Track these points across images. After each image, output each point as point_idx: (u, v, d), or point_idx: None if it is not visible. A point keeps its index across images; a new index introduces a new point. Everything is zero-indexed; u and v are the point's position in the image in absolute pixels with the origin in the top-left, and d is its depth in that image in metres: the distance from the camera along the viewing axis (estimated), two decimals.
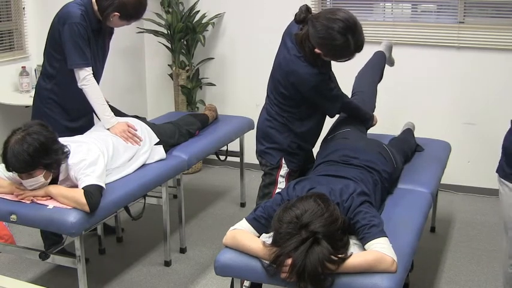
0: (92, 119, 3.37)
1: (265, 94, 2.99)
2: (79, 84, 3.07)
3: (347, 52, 2.60)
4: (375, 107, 3.30)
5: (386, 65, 3.52)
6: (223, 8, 4.82)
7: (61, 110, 3.18)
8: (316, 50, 2.62)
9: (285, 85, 2.79)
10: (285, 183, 2.89)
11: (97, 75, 3.22)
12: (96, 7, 3.07)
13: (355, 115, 3.11)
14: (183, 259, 3.51)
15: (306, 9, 2.68)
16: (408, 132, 3.56)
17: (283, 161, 2.91)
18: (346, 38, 2.54)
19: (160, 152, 3.26)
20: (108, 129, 3.12)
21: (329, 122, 3.10)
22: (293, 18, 2.76)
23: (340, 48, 2.58)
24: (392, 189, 2.87)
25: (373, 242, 2.09)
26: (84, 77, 3.05)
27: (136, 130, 3.18)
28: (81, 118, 3.27)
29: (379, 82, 3.41)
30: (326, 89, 2.78)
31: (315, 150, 3.10)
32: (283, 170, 2.91)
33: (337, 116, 3.12)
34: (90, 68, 3.08)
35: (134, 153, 3.09)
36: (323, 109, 2.90)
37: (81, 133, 3.15)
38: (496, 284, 3.20)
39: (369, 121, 3.18)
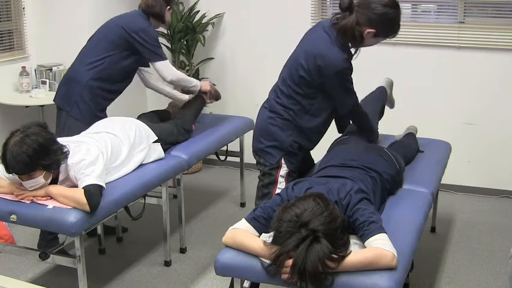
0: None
1: (266, 94, 2.98)
2: (171, 73, 3.48)
3: (397, 26, 2.78)
4: (377, 128, 3.28)
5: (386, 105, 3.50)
6: (223, 8, 4.82)
7: (95, 98, 3.37)
8: (368, 31, 2.71)
9: (308, 69, 2.77)
10: (284, 183, 2.87)
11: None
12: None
13: (362, 123, 3.06)
14: (183, 259, 3.51)
15: None
16: (411, 136, 3.55)
17: (283, 161, 2.90)
18: (397, 10, 2.74)
19: (158, 150, 3.26)
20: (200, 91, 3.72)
21: (332, 129, 3.08)
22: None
23: (393, 21, 2.75)
24: (396, 191, 2.87)
25: (373, 238, 2.10)
26: (171, 68, 3.50)
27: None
28: (105, 109, 3.51)
29: (380, 118, 3.37)
30: (346, 79, 2.80)
31: (315, 154, 3.10)
32: (283, 170, 2.90)
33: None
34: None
35: (131, 150, 3.08)
36: (336, 102, 2.87)
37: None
38: (496, 284, 3.20)
39: (374, 133, 3.14)
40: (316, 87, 2.80)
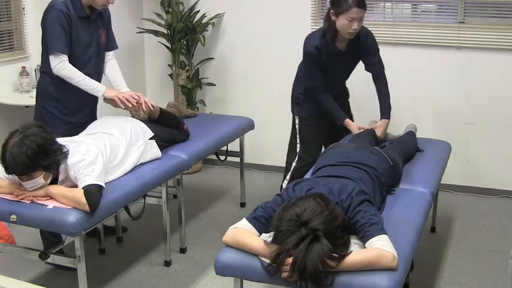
0: (94, 114, 3.42)
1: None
2: (54, 71, 3.07)
3: (347, 3, 3.18)
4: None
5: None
6: (223, 8, 4.82)
7: (58, 104, 3.20)
8: (330, 11, 3.23)
9: None
10: (298, 134, 3.64)
11: (94, 65, 3.26)
12: None
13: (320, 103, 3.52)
14: (183, 259, 3.51)
15: None
16: (410, 134, 3.57)
17: (295, 110, 3.66)
18: None
19: (154, 147, 3.25)
20: (104, 97, 3.18)
21: None
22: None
23: None
24: (395, 188, 2.88)
25: (373, 239, 2.10)
26: (57, 63, 3.05)
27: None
28: (79, 113, 3.29)
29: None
30: (307, 62, 3.42)
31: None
32: (296, 120, 3.65)
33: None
34: (65, 56, 3.06)
35: (129, 148, 3.07)
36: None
37: (83, 127, 3.17)
38: (496, 284, 3.20)
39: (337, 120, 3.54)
40: None
